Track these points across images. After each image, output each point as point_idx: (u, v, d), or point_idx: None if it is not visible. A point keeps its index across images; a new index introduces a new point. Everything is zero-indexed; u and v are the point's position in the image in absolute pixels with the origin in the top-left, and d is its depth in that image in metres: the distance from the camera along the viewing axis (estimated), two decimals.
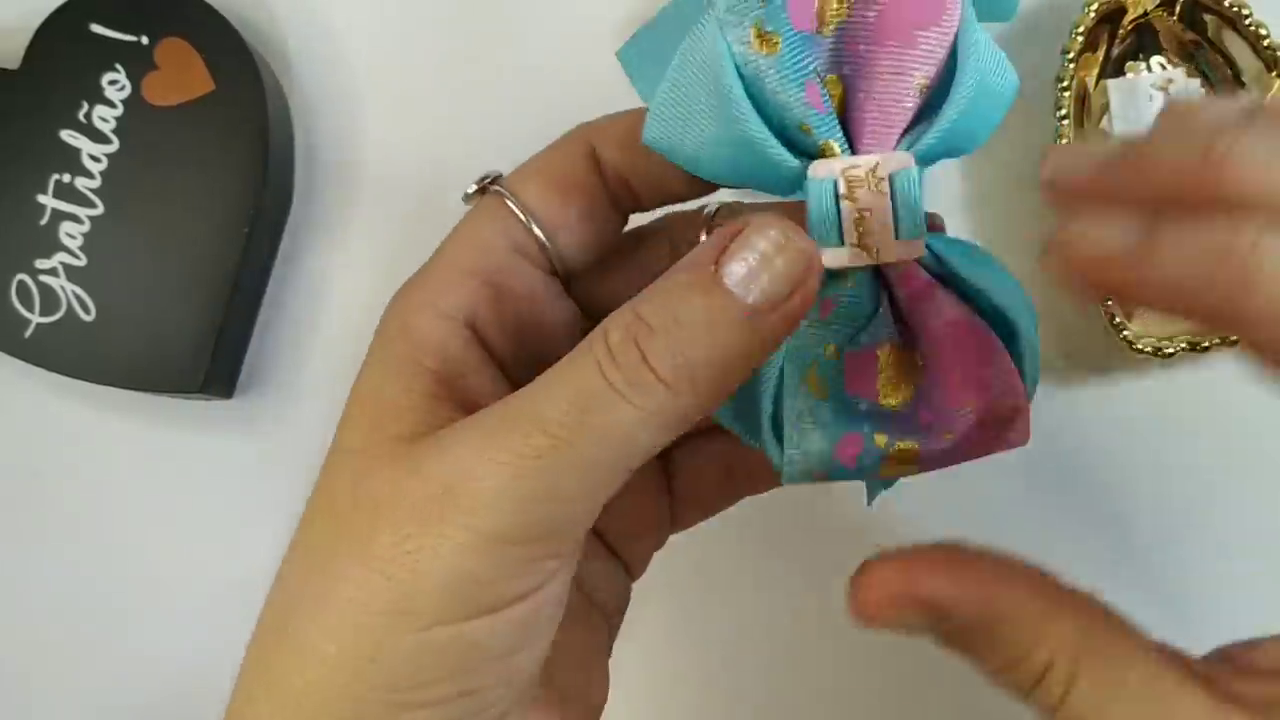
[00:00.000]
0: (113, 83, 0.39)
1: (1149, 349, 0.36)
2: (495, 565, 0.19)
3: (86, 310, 0.38)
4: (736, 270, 0.19)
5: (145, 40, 0.39)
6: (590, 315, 0.25)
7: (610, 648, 0.27)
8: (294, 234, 0.42)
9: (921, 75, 0.21)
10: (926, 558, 0.21)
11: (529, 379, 0.23)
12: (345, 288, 0.41)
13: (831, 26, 0.21)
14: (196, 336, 0.38)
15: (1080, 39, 0.38)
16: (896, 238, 0.22)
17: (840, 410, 0.22)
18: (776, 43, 0.21)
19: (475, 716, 0.20)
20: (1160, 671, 0.20)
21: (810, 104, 0.21)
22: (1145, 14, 0.39)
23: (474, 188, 0.24)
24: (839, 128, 0.22)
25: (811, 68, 0.21)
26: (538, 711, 0.23)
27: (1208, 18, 0.39)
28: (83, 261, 0.38)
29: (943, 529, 0.40)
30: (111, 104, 0.39)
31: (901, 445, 0.22)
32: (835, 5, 0.20)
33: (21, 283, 0.38)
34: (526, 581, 0.20)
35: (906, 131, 0.22)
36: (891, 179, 0.21)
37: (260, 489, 0.40)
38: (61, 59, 0.39)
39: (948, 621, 0.21)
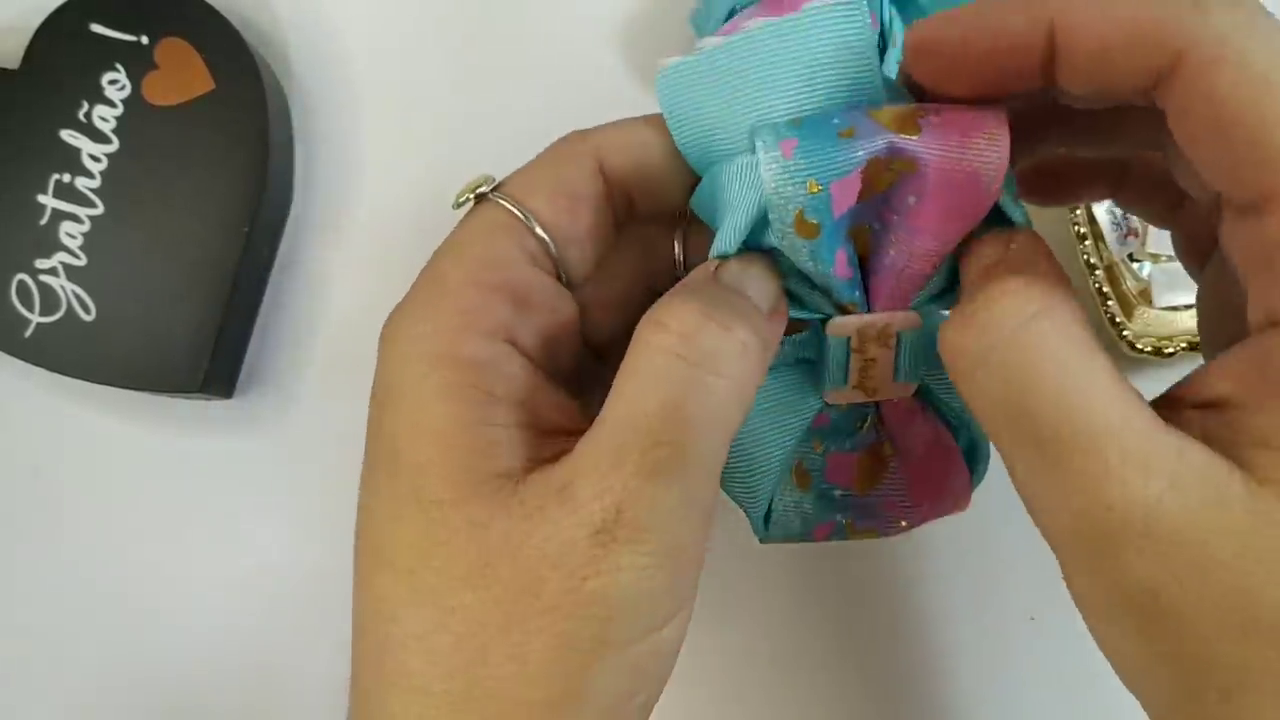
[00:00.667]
0: (113, 82, 0.39)
1: (1149, 349, 0.36)
2: (667, 579, 0.20)
3: (86, 310, 0.38)
4: (743, 284, 0.22)
5: (145, 40, 0.39)
6: (586, 320, 0.25)
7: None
8: (294, 234, 0.42)
9: (947, 258, 0.22)
10: None
11: (565, 387, 0.24)
12: (345, 288, 0.41)
13: (875, 193, 0.21)
14: (196, 336, 0.38)
15: None
16: (895, 379, 0.24)
17: (820, 501, 0.25)
18: (817, 228, 0.21)
19: (651, 698, 0.21)
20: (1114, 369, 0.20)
21: (838, 274, 0.22)
22: None
23: (468, 196, 0.23)
24: (860, 293, 0.22)
25: (843, 239, 0.21)
26: None
27: None
28: (83, 261, 0.38)
29: (941, 528, 0.40)
30: (111, 104, 0.39)
31: (865, 529, 0.25)
32: (889, 174, 0.20)
33: (21, 282, 0.38)
34: (692, 579, 0.21)
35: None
36: (899, 334, 0.23)
37: (260, 489, 0.40)
38: (61, 59, 0.39)
39: None
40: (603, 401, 0.26)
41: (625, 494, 0.19)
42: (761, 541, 0.26)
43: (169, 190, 0.39)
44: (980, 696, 0.39)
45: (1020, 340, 0.19)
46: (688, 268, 0.26)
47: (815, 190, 0.20)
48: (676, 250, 0.26)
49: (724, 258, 0.22)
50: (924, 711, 0.39)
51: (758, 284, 0.21)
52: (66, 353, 0.38)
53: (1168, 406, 0.20)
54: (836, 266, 0.21)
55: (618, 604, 0.19)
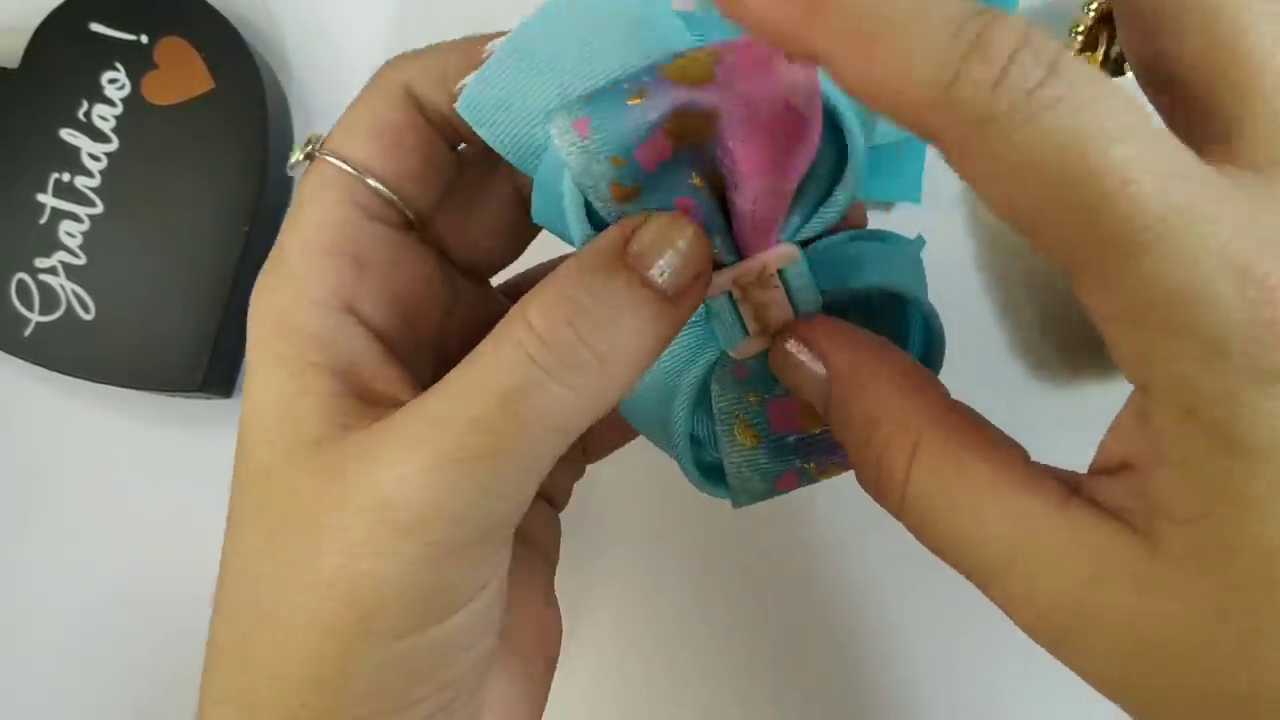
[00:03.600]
0: (112, 81, 0.39)
1: None
2: (449, 572, 0.19)
3: (86, 309, 0.38)
4: (655, 261, 0.20)
5: (145, 39, 0.39)
6: (450, 257, 0.25)
7: (552, 585, 0.27)
8: None
9: (793, 182, 0.21)
10: (828, 325, 0.22)
11: (412, 348, 0.23)
12: None
13: (688, 143, 0.20)
14: (196, 335, 0.38)
15: (1079, 39, 0.38)
16: (796, 317, 0.22)
17: (774, 451, 0.23)
18: (637, 189, 0.20)
19: (453, 702, 0.21)
20: (1008, 463, 0.19)
21: None
22: None
23: (299, 155, 0.22)
24: (724, 238, 0.21)
25: (677, 190, 0.21)
26: (499, 675, 0.23)
27: None
28: (82, 260, 0.38)
29: None
30: (111, 103, 0.39)
31: (831, 467, 0.24)
32: (696, 123, 0.20)
33: (21, 281, 0.38)
34: (480, 577, 0.20)
35: (792, 210, 0.22)
36: (782, 272, 0.22)
37: None
38: (61, 58, 0.39)
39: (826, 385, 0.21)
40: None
41: (418, 475, 0.18)
42: (735, 507, 0.24)
43: (169, 189, 0.39)
44: (980, 696, 0.39)
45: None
46: None
47: (621, 163, 0.20)
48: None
49: (648, 214, 0.20)
50: (924, 711, 0.39)
51: (672, 259, 0.20)
52: (66, 352, 0.38)
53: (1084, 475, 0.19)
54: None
55: (386, 591, 0.19)
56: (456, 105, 0.21)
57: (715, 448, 0.24)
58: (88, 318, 0.38)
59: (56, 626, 0.40)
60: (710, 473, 0.24)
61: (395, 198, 0.22)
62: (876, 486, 0.20)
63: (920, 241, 0.24)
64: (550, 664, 0.25)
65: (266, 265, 0.22)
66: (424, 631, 0.19)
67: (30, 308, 0.38)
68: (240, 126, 0.39)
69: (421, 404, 0.19)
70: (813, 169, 0.21)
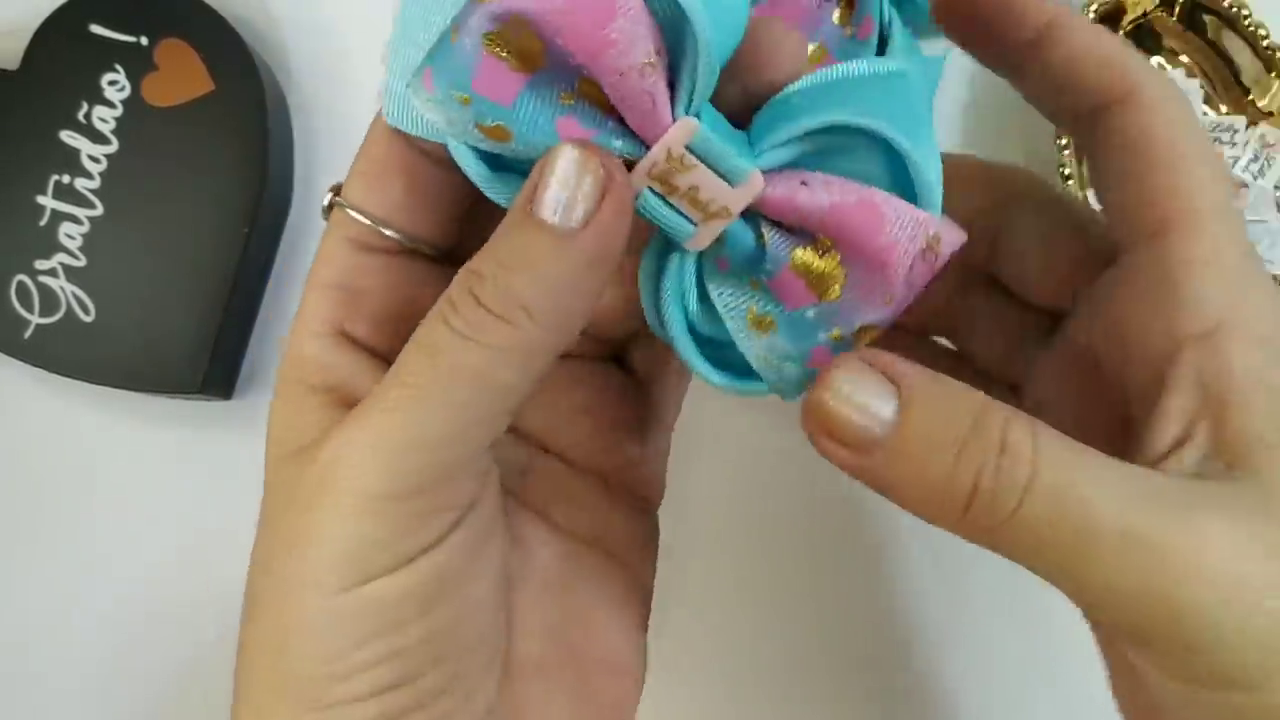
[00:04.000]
0: (112, 83, 0.39)
1: None
2: (387, 524, 0.20)
3: (86, 311, 0.38)
4: (545, 199, 0.20)
5: (145, 41, 0.39)
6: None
7: (640, 596, 0.27)
8: (293, 234, 0.42)
9: (641, 54, 0.19)
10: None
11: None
12: None
13: (539, 65, 0.20)
14: (195, 337, 0.38)
15: None
16: (733, 186, 0.21)
17: (794, 331, 0.23)
18: (505, 130, 0.20)
19: (416, 678, 0.21)
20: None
21: (576, 139, 0.20)
22: (1145, 14, 0.39)
23: (327, 200, 0.24)
24: (624, 140, 0.21)
25: (551, 114, 0.20)
26: (546, 683, 0.24)
27: (1207, 18, 0.39)
28: (82, 262, 0.38)
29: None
30: (111, 104, 0.39)
31: (864, 331, 0.23)
32: (526, 39, 0.19)
33: (21, 283, 0.38)
34: (423, 535, 0.21)
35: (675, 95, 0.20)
36: (689, 148, 0.21)
37: (259, 489, 0.40)
38: (61, 59, 0.39)
39: None
40: None
41: (352, 433, 0.20)
42: (787, 400, 0.23)
43: (168, 191, 0.39)
44: (980, 696, 0.39)
45: None
46: None
47: (466, 101, 0.19)
48: None
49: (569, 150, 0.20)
50: (924, 711, 0.39)
51: (558, 192, 0.20)
52: (66, 353, 0.38)
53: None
54: (562, 131, 0.20)
55: (324, 544, 0.20)
56: (386, 121, 0.22)
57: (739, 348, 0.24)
58: (87, 319, 0.38)
59: (56, 628, 0.40)
60: (744, 371, 0.24)
61: (390, 232, 0.24)
62: (995, 477, 0.20)
63: (938, 62, 0.24)
64: (622, 710, 0.26)
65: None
66: (360, 587, 0.20)
67: (30, 309, 0.38)
68: (240, 127, 0.39)
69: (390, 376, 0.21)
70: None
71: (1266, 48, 0.38)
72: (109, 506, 0.41)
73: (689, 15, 0.19)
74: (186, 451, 0.41)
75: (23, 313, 0.38)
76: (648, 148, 0.21)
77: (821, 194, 0.21)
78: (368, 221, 0.23)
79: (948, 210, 0.22)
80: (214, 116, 0.39)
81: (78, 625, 0.40)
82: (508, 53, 0.19)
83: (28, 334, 0.38)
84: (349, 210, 0.23)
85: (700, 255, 0.23)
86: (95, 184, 0.38)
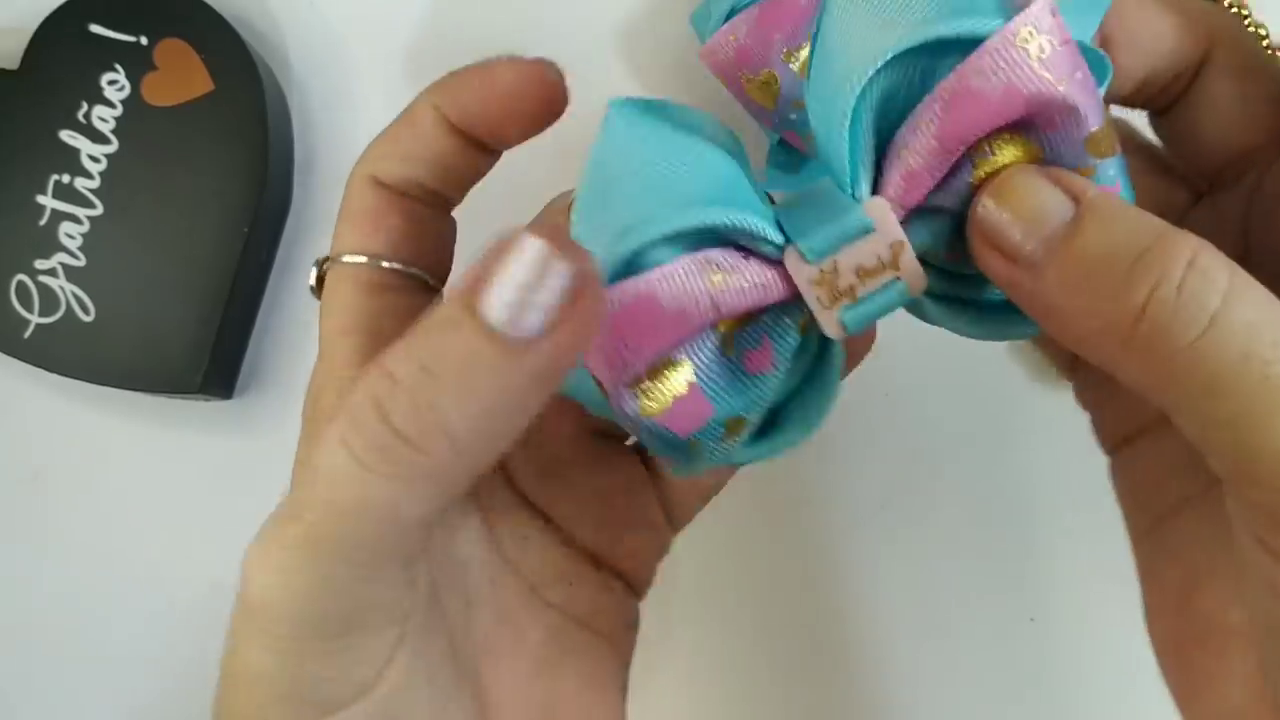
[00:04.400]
0: (112, 83, 0.39)
1: None
2: (312, 666, 0.18)
3: (86, 311, 0.38)
4: (493, 299, 0.16)
5: (144, 40, 0.39)
6: None
7: (623, 675, 0.26)
8: (293, 234, 0.42)
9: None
10: None
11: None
12: None
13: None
14: (195, 337, 0.38)
15: None
16: (871, 231, 0.19)
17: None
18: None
19: None
20: None
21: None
22: None
23: (313, 277, 0.25)
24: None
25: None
26: None
27: None
28: (82, 262, 0.38)
29: (941, 528, 0.40)
30: (111, 104, 0.39)
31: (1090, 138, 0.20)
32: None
33: (21, 283, 0.38)
34: (359, 673, 0.19)
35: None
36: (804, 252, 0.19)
37: (258, 490, 0.40)
38: (61, 59, 0.39)
39: None
40: None
41: (255, 570, 0.18)
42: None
43: (168, 191, 0.39)
44: (980, 697, 0.39)
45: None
46: None
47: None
48: None
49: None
50: (924, 712, 0.39)
51: (505, 290, 0.16)
52: (66, 353, 0.38)
53: None
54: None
55: (255, 685, 0.19)
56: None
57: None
58: (87, 319, 0.38)
59: (56, 627, 0.40)
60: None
61: (382, 264, 0.24)
62: (1178, 296, 0.17)
63: None
64: None
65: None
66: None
67: (30, 309, 0.38)
68: (240, 127, 0.39)
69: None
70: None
71: (1267, 47, 0.38)
72: (109, 506, 0.41)
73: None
74: (186, 451, 0.41)
75: (23, 312, 0.38)
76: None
77: (924, 136, 0.19)
78: (370, 261, 0.23)
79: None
80: (214, 116, 0.39)
81: (77, 624, 0.40)
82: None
83: (28, 334, 0.38)
84: (347, 258, 0.23)
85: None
86: (95, 184, 0.38)
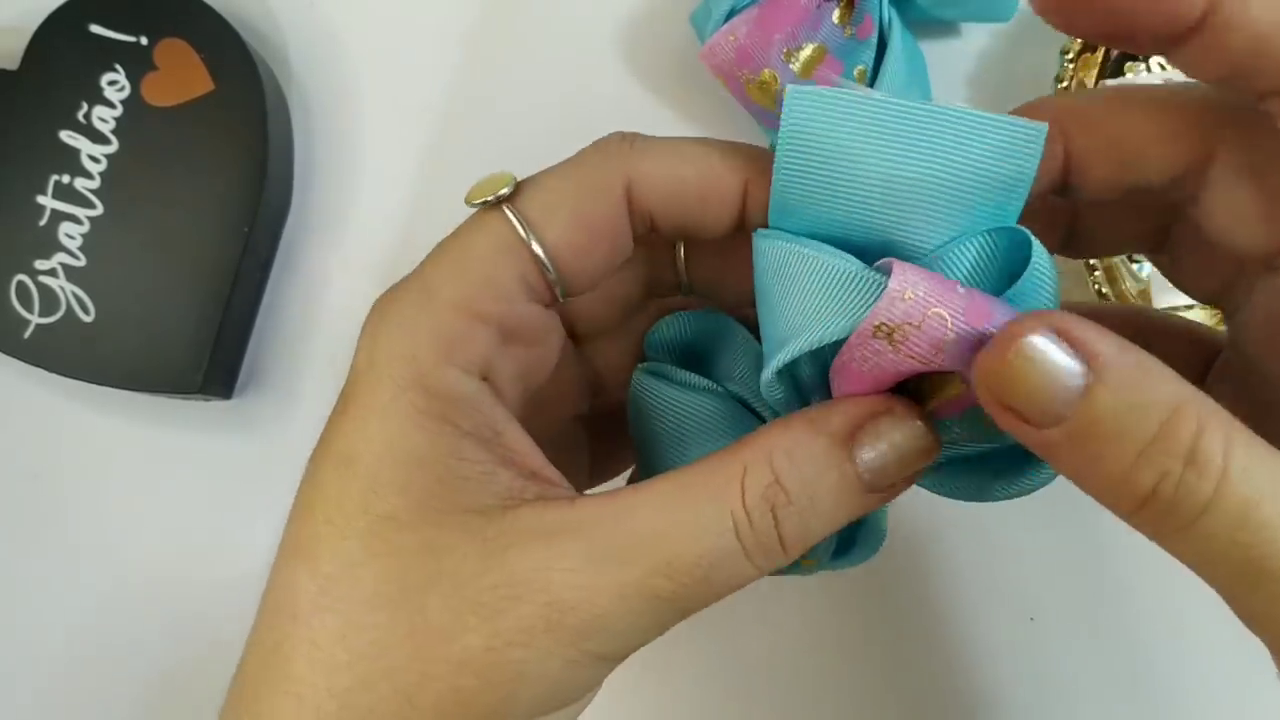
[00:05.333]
0: (112, 83, 0.39)
1: None
2: (584, 675, 0.20)
3: (86, 311, 0.38)
4: (870, 455, 0.20)
5: (144, 41, 0.39)
6: (568, 332, 0.25)
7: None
8: (293, 234, 0.42)
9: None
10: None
11: (533, 418, 0.23)
12: (344, 288, 0.41)
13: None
14: (195, 337, 0.38)
15: (1079, 39, 0.38)
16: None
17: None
18: None
19: None
20: None
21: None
22: None
23: (488, 198, 0.21)
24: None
25: None
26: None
27: None
28: (82, 262, 0.38)
29: (941, 528, 0.40)
30: (111, 104, 0.39)
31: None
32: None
33: (21, 283, 0.38)
34: (598, 680, 0.20)
35: None
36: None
37: (259, 489, 0.40)
38: (61, 59, 0.39)
39: None
40: (586, 429, 0.27)
41: (598, 591, 0.19)
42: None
43: (168, 191, 0.39)
44: (980, 697, 0.39)
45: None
46: (691, 282, 0.25)
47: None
48: (679, 261, 0.25)
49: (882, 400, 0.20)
50: (924, 711, 0.39)
51: (887, 453, 0.20)
52: (66, 353, 0.38)
53: None
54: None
55: (531, 681, 0.19)
56: (789, 98, 0.20)
57: None
58: (87, 319, 0.38)
59: (56, 628, 0.40)
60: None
61: (559, 290, 0.22)
62: (1177, 488, 0.17)
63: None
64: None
65: (405, 297, 0.21)
66: (540, 716, 0.20)
67: (30, 309, 0.38)
68: (240, 127, 0.39)
69: (611, 516, 0.19)
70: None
71: None
72: (109, 506, 0.41)
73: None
74: (186, 451, 0.41)
75: (23, 312, 0.38)
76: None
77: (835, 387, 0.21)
78: (545, 260, 0.21)
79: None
80: (214, 116, 0.39)
81: (77, 624, 0.40)
82: None
83: (28, 334, 0.38)
84: (528, 234, 0.21)
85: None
86: (95, 184, 0.38)
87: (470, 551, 0.19)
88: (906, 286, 0.18)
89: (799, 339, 0.19)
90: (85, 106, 0.39)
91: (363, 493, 0.20)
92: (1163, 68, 0.40)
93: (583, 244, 0.21)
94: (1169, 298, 0.38)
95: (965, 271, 0.20)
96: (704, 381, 0.24)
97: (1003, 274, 0.20)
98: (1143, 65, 0.40)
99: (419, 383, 0.20)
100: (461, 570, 0.19)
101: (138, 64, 0.39)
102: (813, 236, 0.20)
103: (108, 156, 0.39)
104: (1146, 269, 0.38)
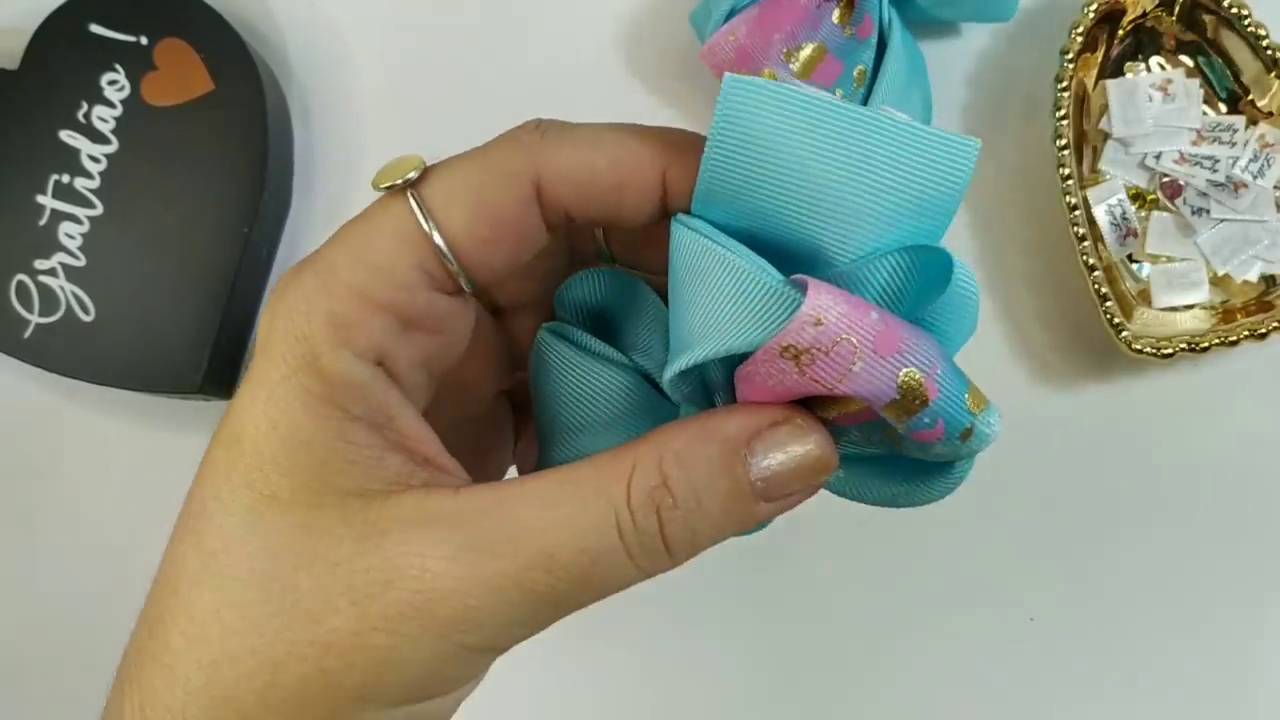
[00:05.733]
0: (112, 83, 0.39)
1: (1148, 349, 0.36)
2: (466, 669, 0.19)
3: (85, 310, 0.38)
4: (764, 464, 0.19)
5: (144, 40, 0.39)
6: (490, 307, 0.25)
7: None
8: (293, 234, 0.42)
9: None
10: None
11: (447, 398, 0.23)
12: None
13: None
14: (195, 337, 0.38)
15: (1079, 39, 0.38)
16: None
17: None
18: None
19: None
20: None
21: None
22: (1144, 14, 0.39)
23: (395, 182, 0.21)
24: None
25: None
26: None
27: (1207, 18, 0.39)
28: (82, 262, 0.38)
29: (941, 528, 0.40)
30: (111, 104, 0.39)
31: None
32: None
33: (21, 283, 0.38)
34: (475, 674, 0.20)
35: None
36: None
37: None
38: (61, 59, 0.39)
39: None
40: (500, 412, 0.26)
41: (473, 581, 0.18)
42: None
43: (168, 191, 0.39)
44: (980, 697, 0.39)
45: None
46: (613, 254, 0.25)
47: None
48: (599, 238, 0.25)
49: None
50: (924, 711, 0.39)
51: (783, 462, 0.20)
52: (65, 353, 0.38)
53: None
54: None
55: (397, 668, 0.18)
56: (725, 85, 0.19)
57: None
58: (87, 319, 0.38)
59: (56, 627, 0.40)
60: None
61: (463, 279, 0.21)
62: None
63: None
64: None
65: (303, 279, 0.20)
66: (410, 705, 0.19)
67: (30, 309, 0.38)
68: (240, 128, 0.39)
69: (494, 506, 0.19)
70: None
71: (1266, 48, 0.38)
72: (109, 506, 0.41)
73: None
74: (186, 451, 0.41)
75: (22, 312, 0.38)
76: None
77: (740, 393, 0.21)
78: (446, 252, 0.21)
79: None
80: (214, 116, 0.39)
81: (77, 623, 0.40)
82: None
83: (27, 333, 0.38)
84: (427, 221, 0.21)
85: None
86: (95, 184, 0.38)
87: (346, 534, 0.19)
88: (820, 310, 0.18)
89: (705, 345, 0.19)
90: (85, 106, 0.39)
91: (248, 471, 0.20)
92: (1162, 67, 0.40)
93: (486, 235, 0.21)
94: (1169, 297, 0.38)
95: (880, 285, 0.19)
96: (609, 350, 0.24)
97: (921, 292, 0.19)
98: (1142, 65, 0.40)
99: (311, 365, 0.20)
100: (336, 553, 0.19)
101: (137, 64, 0.39)
102: (733, 229, 0.20)
103: (107, 156, 0.39)
104: (1146, 269, 0.38)
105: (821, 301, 0.18)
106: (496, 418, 0.27)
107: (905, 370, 0.18)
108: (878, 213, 0.19)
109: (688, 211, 0.20)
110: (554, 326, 0.24)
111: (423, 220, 0.21)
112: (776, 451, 0.19)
